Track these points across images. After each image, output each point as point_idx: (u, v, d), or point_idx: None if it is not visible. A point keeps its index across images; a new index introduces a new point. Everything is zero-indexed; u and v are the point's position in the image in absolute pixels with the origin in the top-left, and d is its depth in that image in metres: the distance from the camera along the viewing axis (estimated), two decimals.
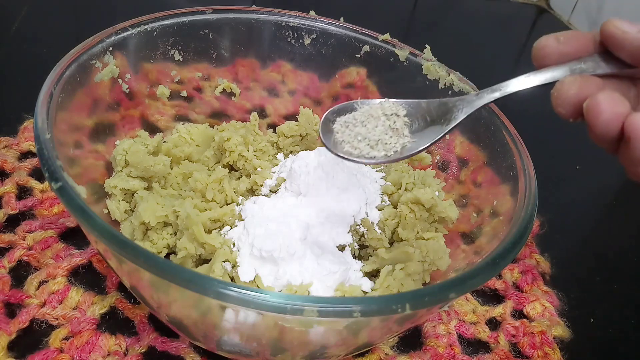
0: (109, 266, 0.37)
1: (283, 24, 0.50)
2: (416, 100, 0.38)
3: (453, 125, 0.35)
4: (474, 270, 0.30)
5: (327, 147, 0.36)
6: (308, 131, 0.49)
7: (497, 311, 0.44)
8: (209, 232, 0.39)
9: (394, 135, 0.36)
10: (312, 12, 0.50)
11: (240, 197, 0.43)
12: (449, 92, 0.47)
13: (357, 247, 0.42)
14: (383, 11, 0.90)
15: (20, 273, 0.40)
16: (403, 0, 0.96)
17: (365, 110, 0.38)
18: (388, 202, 0.44)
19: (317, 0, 0.71)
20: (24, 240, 0.41)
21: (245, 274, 0.36)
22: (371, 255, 0.41)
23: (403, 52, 0.48)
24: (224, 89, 0.52)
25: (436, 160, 0.49)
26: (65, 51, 0.38)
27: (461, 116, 0.35)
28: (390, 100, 0.38)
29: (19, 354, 0.35)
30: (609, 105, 0.28)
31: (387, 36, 0.49)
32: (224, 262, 0.36)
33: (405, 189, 0.43)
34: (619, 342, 0.45)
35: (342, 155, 0.36)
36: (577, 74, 0.31)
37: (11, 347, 0.35)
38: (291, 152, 0.50)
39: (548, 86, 0.32)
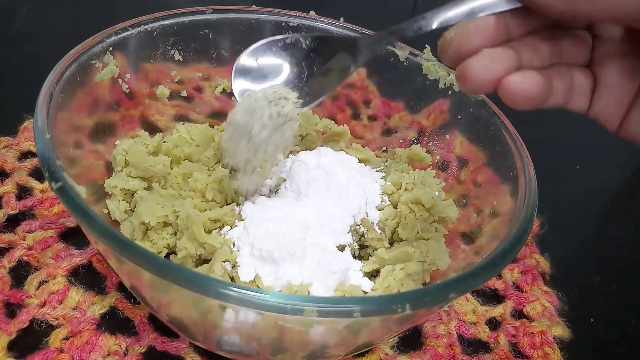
0: (109, 266, 0.37)
1: (283, 24, 0.50)
2: (322, 35, 0.37)
3: (346, 78, 0.34)
4: (474, 270, 0.30)
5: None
6: (308, 131, 0.49)
7: (497, 311, 0.44)
8: (209, 232, 0.39)
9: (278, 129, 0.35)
10: (312, 12, 0.50)
11: (241, 197, 0.43)
12: (449, 92, 0.47)
13: (357, 247, 0.42)
14: (383, 11, 0.90)
15: (20, 273, 0.40)
16: (403, 0, 0.96)
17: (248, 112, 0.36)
18: (388, 202, 0.44)
19: (317, 0, 0.71)
20: (24, 240, 0.41)
21: (245, 274, 0.36)
22: (371, 255, 0.41)
23: (403, 52, 0.48)
24: (224, 89, 0.52)
25: (436, 160, 0.49)
26: (65, 51, 0.38)
27: (360, 61, 0.33)
28: (275, 86, 0.37)
29: (19, 354, 0.35)
30: (478, 74, 0.26)
31: None
32: (224, 262, 0.36)
33: (405, 189, 0.43)
34: (619, 342, 0.45)
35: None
36: (461, 24, 0.27)
37: (11, 347, 0.35)
38: (291, 152, 0.50)
39: None
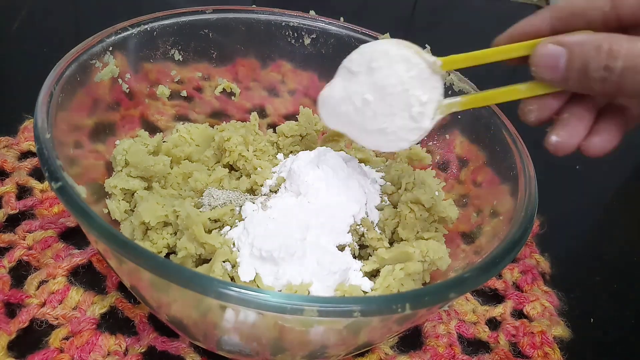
0: (109, 266, 0.37)
1: (283, 24, 0.50)
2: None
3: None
4: (474, 270, 0.30)
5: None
6: (308, 131, 0.49)
7: (497, 311, 0.44)
8: (209, 232, 0.39)
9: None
10: (312, 12, 0.50)
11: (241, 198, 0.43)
12: (449, 92, 0.47)
13: (357, 247, 0.42)
14: (383, 11, 0.90)
15: (20, 273, 0.40)
16: (403, 0, 0.96)
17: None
18: (388, 202, 0.44)
19: (317, 0, 0.71)
20: (24, 240, 0.41)
21: (245, 274, 0.36)
22: (371, 255, 0.41)
23: None
24: (224, 88, 0.52)
25: (436, 160, 0.48)
26: (65, 51, 0.38)
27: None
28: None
29: (19, 353, 0.35)
30: (562, 146, 0.32)
31: (387, 36, 0.49)
32: (224, 262, 0.36)
33: (405, 189, 0.43)
34: (619, 342, 0.45)
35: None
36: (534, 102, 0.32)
37: (11, 347, 0.35)
38: (291, 152, 0.50)
39: None
